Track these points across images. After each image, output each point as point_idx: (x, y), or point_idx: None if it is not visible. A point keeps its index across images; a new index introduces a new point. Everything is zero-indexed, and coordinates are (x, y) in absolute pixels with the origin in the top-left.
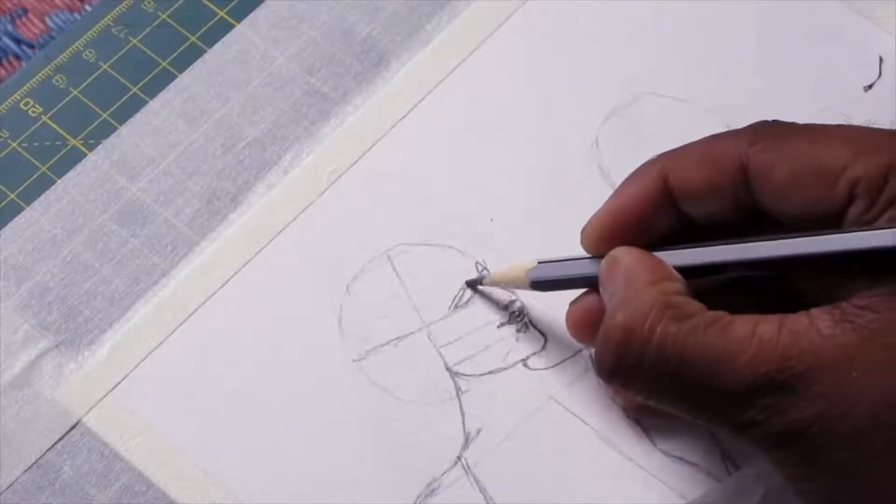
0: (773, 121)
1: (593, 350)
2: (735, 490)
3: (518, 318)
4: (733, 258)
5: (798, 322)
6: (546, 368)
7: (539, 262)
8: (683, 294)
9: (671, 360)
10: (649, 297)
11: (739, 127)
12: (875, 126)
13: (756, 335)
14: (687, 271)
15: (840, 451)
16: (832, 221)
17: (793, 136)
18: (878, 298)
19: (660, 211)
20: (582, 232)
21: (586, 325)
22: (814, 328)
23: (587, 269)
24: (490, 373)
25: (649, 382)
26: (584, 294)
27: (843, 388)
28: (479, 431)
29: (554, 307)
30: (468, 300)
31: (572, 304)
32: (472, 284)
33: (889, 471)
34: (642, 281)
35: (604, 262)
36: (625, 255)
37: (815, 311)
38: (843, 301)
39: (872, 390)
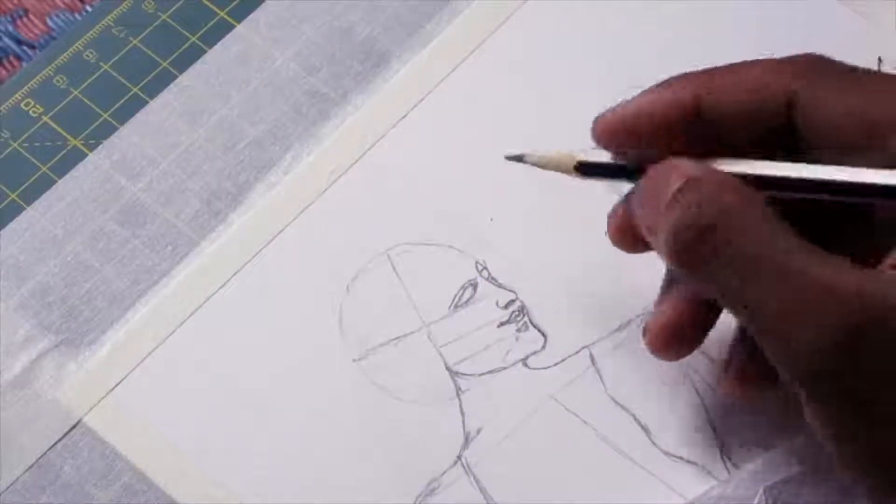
0: (819, 56)
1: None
2: (735, 490)
3: (518, 317)
4: (806, 176)
5: (877, 277)
6: (546, 368)
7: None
8: None
9: (754, 246)
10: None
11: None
12: None
13: (845, 278)
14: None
15: None
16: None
17: (845, 79)
18: None
19: (685, 128)
20: (596, 120)
21: (629, 228)
22: (892, 284)
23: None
24: (490, 372)
25: (719, 262)
26: (621, 203)
27: None
28: (479, 431)
29: (555, 306)
30: (468, 300)
31: (611, 212)
32: (515, 158)
33: None
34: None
35: (659, 167)
36: (692, 167)
37: (888, 270)
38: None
39: None
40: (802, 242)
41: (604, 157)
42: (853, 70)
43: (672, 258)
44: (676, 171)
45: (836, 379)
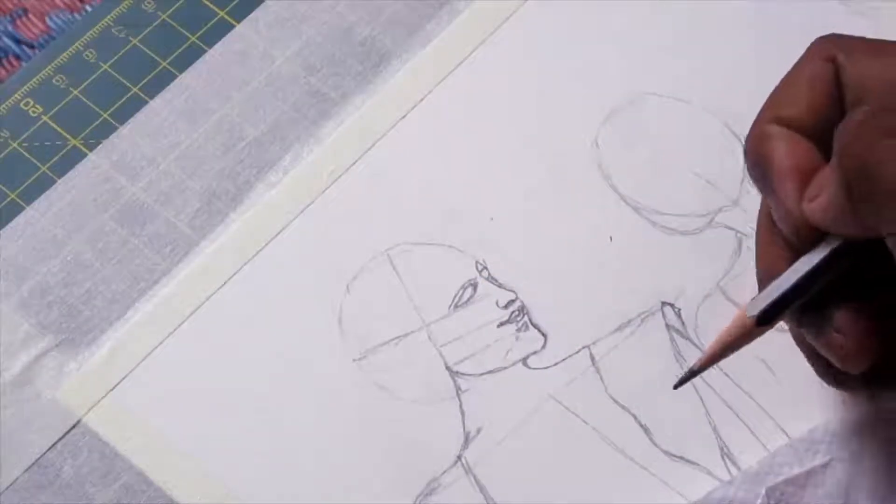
0: (835, 34)
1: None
2: (737, 492)
3: (518, 317)
4: None
5: None
6: (546, 368)
7: (749, 303)
8: None
9: None
10: None
11: (738, 126)
12: None
13: None
14: None
15: None
16: None
17: (870, 47)
18: None
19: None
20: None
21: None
22: None
23: (809, 262)
24: (490, 372)
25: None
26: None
27: None
28: (479, 431)
29: (555, 306)
30: (468, 300)
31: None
32: (682, 383)
33: None
34: None
35: None
36: None
37: None
38: None
39: None
40: None
41: (775, 291)
42: (874, 41)
43: (846, 190)
44: None
45: None
